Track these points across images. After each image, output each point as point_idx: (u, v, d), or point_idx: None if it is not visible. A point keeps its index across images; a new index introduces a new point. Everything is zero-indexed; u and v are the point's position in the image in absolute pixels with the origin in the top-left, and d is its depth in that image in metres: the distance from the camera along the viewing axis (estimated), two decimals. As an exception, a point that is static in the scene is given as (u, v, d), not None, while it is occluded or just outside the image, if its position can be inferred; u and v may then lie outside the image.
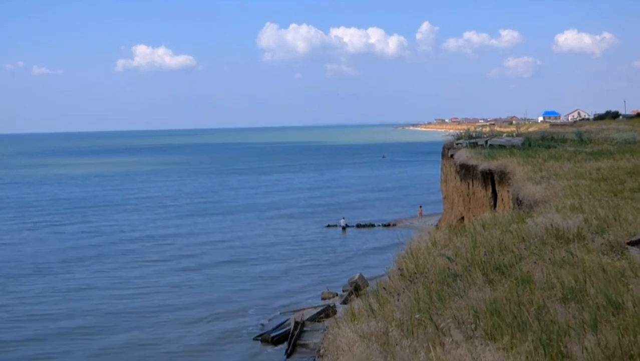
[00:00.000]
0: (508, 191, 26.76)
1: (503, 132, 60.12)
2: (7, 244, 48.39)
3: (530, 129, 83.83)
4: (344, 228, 53.84)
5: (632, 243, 10.76)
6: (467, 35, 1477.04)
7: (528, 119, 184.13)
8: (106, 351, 26.47)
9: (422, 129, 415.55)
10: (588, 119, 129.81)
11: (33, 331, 28.80)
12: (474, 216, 30.54)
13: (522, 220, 14.37)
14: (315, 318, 28.53)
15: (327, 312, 29.10)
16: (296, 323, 27.34)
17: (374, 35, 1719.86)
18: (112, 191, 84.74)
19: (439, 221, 46.99)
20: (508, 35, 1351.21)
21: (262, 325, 29.48)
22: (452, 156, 41.95)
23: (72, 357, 26.14)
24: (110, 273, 39.09)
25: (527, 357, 6.60)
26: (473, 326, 7.63)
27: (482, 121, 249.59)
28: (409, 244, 14.15)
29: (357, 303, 10.53)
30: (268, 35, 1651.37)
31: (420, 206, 59.07)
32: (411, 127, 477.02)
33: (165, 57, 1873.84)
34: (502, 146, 38.76)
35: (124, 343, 27.25)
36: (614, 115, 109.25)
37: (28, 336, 28.25)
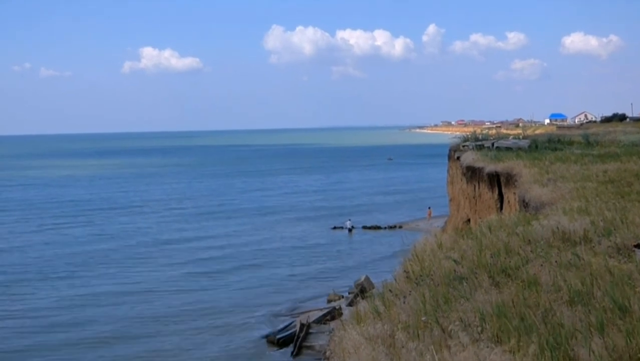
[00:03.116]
0: (514, 194, 26.72)
1: (509, 135, 59.98)
2: (13, 248, 47.92)
3: (537, 132, 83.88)
4: (350, 230, 53.82)
5: (639, 246, 10.72)
6: (474, 37, 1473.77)
7: (534, 122, 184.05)
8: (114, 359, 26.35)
9: (429, 131, 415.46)
10: (595, 121, 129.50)
11: (39, 340, 28.04)
12: (480, 218, 30.47)
13: (529, 222, 14.35)
14: (321, 320, 28.54)
15: (333, 314, 29.09)
16: (302, 325, 27.36)
17: (380, 37, 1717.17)
18: (117, 193, 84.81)
19: (445, 223, 46.95)
20: (514, 38, 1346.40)
21: (268, 326, 29.44)
22: (458, 158, 41.93)
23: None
24: (116, 277, 38.72)
25: (533, 360, 6.59)
26: (479, 329, 7.62)
27: (488, 123, 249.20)
28: (415, 247, 14.13)
29: (363, 305, 10.53)
30: (274, 37, 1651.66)
31: (429, 208, 59.03)
32: (417, 130, 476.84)
33: (171, 59, 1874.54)
34: (508, 149, 38.73)
35: (130, 349, 27.13)
36: (621, 117, 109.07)
37: (33, 345, 27.46)
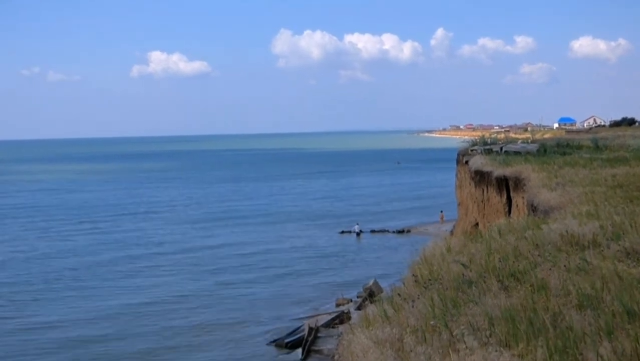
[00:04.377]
0: (523, 198, 26.67)
1: (518, 139, 59.81)
2: (19, 257, 46.93)
3: (546, 136, 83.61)
4: (358, 234, 53.76)
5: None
6: (482, 41, 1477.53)
7: (543, 126, 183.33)
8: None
9: (437, 135, 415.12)
10: (604, 125, 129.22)
11: (47, 358, 27.02)
12: (488, 222, 30.44)
13: (538, 227, 14.33)
14: (329, 324, 28.54)
15: (342, 318, 29.10)
16: (310, 328, 27.37)
17: (388, 41, 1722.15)
18: (124, 199, 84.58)
19: (454, 227, 46.89)
20: (523, 42, 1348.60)
21: (276, 330, 29.45)
22: (466, 162, 41.90)
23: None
24: (124, 289, 37.74)
25: (542, 364, 6.60)
26: (488, 333, 7.63)
27: (497, 127, 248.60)
28: (424, 251, 14.15)
29: (371, 309, 10.55)
30: (282, 41, 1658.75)
31: (441, 211, 58.89)
32: (426, 134, 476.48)
33: (179, 63, 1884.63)
34: (517, 153, 38.66)
35: (137, 352, 27.19)
36: (630, 122, 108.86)
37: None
